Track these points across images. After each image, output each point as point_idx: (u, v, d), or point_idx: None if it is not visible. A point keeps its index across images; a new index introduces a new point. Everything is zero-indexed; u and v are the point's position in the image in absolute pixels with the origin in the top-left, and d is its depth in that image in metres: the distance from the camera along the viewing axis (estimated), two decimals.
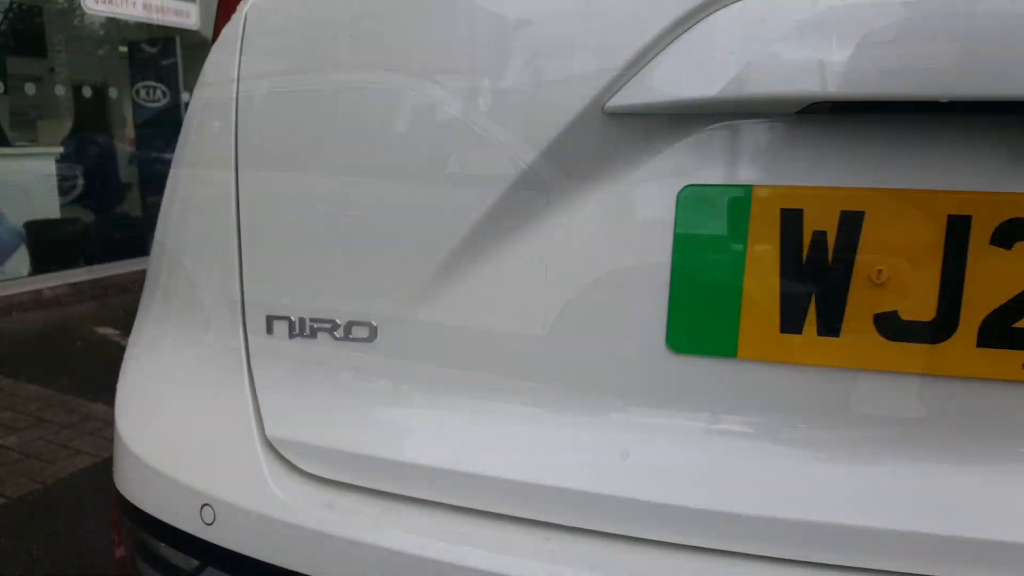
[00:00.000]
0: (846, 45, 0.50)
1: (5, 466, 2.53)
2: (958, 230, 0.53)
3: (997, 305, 0.53)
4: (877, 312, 0.55)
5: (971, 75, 0.48)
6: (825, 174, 0.55)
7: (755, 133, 0.56)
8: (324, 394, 0.69)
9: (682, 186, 0.58)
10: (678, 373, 0.60)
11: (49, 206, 5.43)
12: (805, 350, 0.57)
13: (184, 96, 6.11)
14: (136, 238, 5.76)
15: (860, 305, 0.55)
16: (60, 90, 5.66)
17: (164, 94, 6.15)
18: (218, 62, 0.74)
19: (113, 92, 6.10)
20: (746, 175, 0.57)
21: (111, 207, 6.07)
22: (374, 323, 0.67)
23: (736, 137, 0.57)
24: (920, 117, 0.53)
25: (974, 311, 0.54)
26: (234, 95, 0.71)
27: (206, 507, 0.68)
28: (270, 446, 0.69)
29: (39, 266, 5.18)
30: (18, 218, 5.21)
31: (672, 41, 0.54)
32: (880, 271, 0.55)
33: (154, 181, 6.11)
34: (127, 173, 6.23)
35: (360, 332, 0.68)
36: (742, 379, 0.59)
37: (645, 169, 0.59)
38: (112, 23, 5.80)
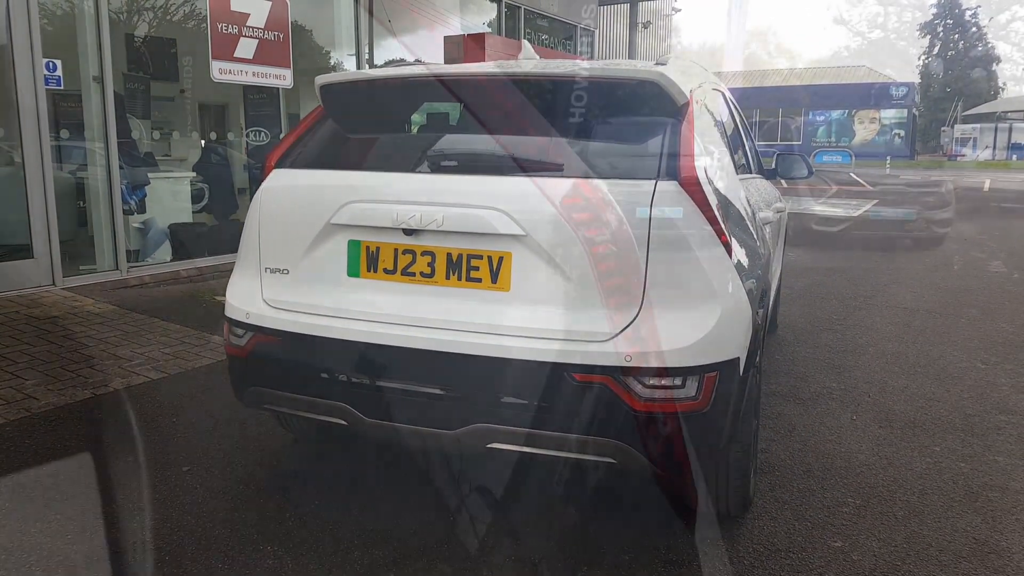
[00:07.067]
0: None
1: (172, 359, 4.72)
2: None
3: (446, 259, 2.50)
4: (402, 267, 2.53)
5: None
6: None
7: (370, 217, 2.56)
8: (277, 287, 2.72)
9: (348, 240, 2.58)
10: (352, 283, 2.59)
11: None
12: (374, 277, 2.56)
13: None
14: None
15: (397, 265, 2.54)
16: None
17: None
18: (262, 192, 2.81)
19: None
20: (362, 237, 2.56)
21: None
22: (286, 268, 2.70)
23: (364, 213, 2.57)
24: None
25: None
26: (259, 202, 2.78)
27: (247, 312, 2.73)
28: (265, 300, 2.73)
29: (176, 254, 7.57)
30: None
31: (345, 205, 2.55)
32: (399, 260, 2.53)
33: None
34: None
35: (284, 270, 2.71)
36: (365, 284, 2.57)
37: (340, 234, 2.60)
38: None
